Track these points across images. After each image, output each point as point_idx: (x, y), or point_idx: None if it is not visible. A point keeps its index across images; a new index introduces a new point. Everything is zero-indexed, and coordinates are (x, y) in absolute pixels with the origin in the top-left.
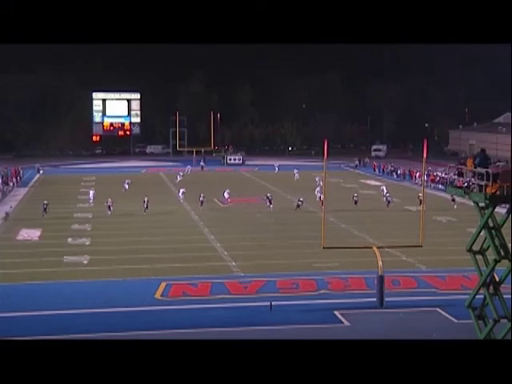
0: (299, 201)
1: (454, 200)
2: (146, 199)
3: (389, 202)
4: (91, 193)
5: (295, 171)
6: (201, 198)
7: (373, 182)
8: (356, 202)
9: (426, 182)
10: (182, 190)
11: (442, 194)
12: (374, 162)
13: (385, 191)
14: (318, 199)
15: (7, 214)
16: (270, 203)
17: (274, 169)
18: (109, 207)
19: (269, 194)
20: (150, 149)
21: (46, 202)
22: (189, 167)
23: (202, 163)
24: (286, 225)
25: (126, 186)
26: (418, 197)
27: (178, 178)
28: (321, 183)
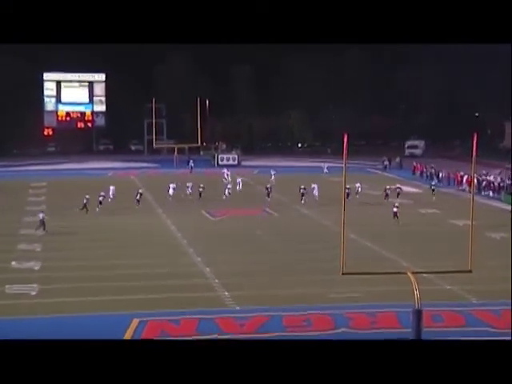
0: (302, 189)
1: None
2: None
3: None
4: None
5: (272, 172)
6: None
7: (407, 188)
8: (396, 215)
9: (477, 187)
10: (172, 186)
11: (497, 204)
12: (414, 163)
13: (422, 200)
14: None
15: None
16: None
17: (278, 171)
18: (41, 223)
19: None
20: (134, 145)
21: None
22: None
23: (190, 164)
24: (294, 242)
25: (111, 195)
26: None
27: (171, 192)
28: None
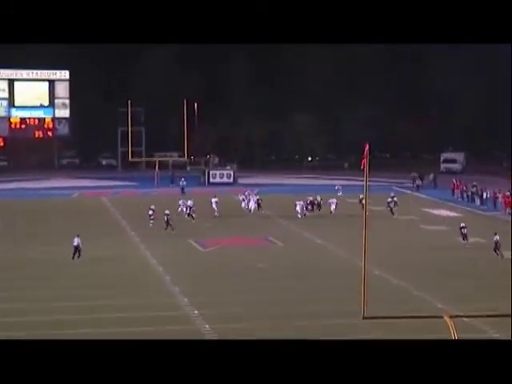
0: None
1: None
2: (77, 241)
3: (466, 239)
4: None
5: (213, 201)
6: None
7: (443, 212)
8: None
9: None
10: (152, 208)
11: None
12: (454, 181)
13: (463, 227)
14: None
15: None
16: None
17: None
18: (76, 250)
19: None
20: (105, 159)
21: None
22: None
23: (182, 182)
24: (304, 279)
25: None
26: None
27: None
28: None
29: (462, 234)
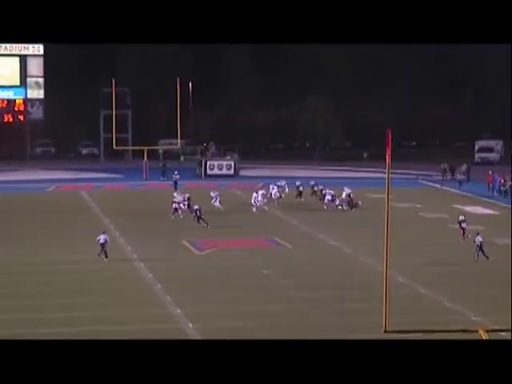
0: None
1: None
2: (103, 238)
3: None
4: None
5: (212, 194)
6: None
7: (478, 209)
8: (480, 248)
9: None
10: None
11: None
12: (490, 172)
13: (462, 220)
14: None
15: None
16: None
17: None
18: (102, 248)
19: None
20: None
21: None
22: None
23: (176, 176)
24: (315, 287)
25: None
26: None
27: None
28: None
29: (461, 228)
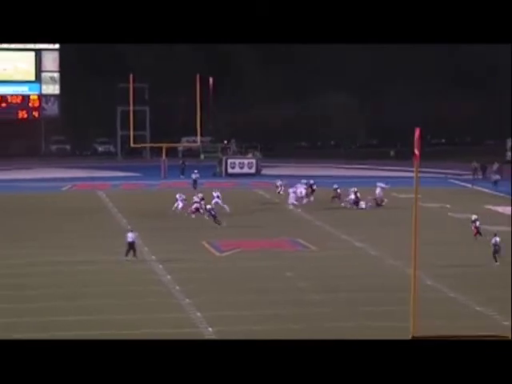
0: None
1: None
2: (131, 236)
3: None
4: None
5: (213, 194)
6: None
7: (508, 211)
8: (496, 251)
9: None
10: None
11: None
12: None
13: (475, 219)
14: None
15: None
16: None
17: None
18: (130, 247)
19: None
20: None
21: None
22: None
23: (195, 175)
24: (340, 290)
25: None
26: None
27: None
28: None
29: (475, 228)
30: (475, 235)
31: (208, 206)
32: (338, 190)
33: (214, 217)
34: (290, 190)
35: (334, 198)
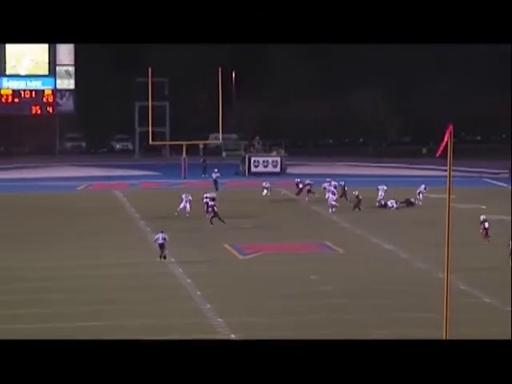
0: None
1: None
2: (161, 237)
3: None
4: None
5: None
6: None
7: None
8: None
9: None
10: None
11: None
12: None
13: (484, 220)
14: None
15: None
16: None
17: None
18: (162, 248)
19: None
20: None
21: None
22: None
23: (215, 174)
24: (368, 295)
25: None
26: None
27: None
28: None
29: (484, 229)
30: (484, 237)
31: (211, 203)
32: (345, 188)
33: (218, 217)
34: (327, 189)
35: (341, 196)
